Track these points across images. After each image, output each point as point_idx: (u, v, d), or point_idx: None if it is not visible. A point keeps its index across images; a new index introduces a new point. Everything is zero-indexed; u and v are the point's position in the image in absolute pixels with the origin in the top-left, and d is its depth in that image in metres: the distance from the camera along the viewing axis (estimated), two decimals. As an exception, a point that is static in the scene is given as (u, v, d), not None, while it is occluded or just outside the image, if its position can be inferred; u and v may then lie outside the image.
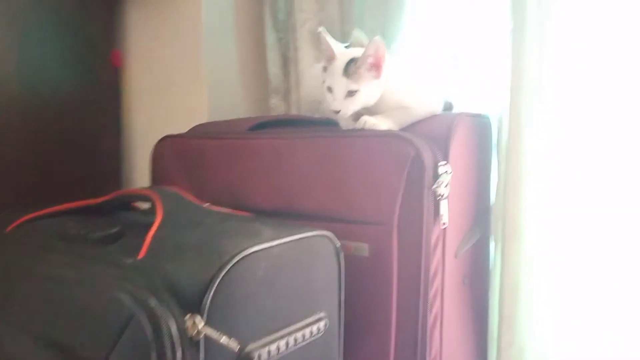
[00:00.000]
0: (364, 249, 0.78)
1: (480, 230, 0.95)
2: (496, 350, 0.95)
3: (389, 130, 0.81)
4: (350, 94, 0.80)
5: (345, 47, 0.92)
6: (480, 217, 0.96)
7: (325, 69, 0.90)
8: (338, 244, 0.70)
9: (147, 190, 0.73)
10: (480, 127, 0.94)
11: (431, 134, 0.81)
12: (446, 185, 0.78)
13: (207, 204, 0.81)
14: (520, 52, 0.91)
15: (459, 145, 0.83)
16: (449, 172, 0.78)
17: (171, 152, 0.97)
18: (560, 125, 0.91)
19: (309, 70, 1.12)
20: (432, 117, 0.86)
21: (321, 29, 0.84)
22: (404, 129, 0.83)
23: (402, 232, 0.77)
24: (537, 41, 0.90)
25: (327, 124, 0.92)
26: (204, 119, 1.16)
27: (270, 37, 1.25)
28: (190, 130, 1.07)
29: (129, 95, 1.30)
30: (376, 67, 0.80)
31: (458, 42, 1.05)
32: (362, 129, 0.82)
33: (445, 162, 0.79)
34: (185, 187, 0.93)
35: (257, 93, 1.29)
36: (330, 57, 0.82)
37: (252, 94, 1.29)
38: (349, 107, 0.81)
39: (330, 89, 0.82)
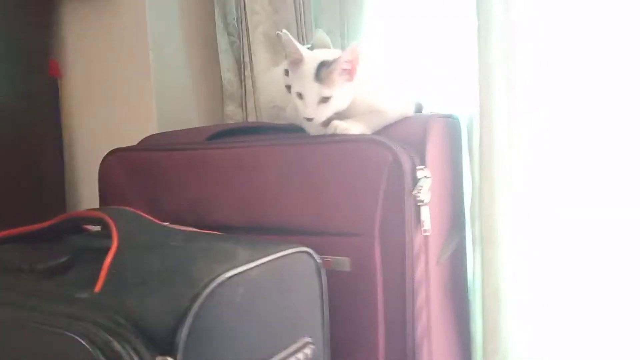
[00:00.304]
0: (344, 263, 0.72)
1: (458, 234, 0.91)
2: (481, 358, 0.91)
3: (362, 135, 0.76)
4: (324, 100, 0.75)
5: (307, 49, 0.86)
6: (456, 220, 0.92)
7: (287, 72, 0.85)
8: (319, 260, 0.64)
9: (97, 212, 0.65)
10: (451, 128, 0.91)
11: (406, 138, 0.77)
12: (427, 191, 0.73)
13: (167, 223, 0.73)
14: (487, 51, 0.88)
15: (434, 148, 0.79)
16: (428, 176, 0.74)
17: (121, 166, 0.88)
18: (532, 125, 0.89)
19: (267, 74, 1.06)
20: (404, 120, 0.81)
21: (284, 31, 0.78)
22: (376, 133, 0.78)
23: (384, 243, 0.71)
24: (502, 40, 0.88)
25: (292, 131, 0.86)
26: (153, 130, 1.08)
27: (223, 41, 1.18)
28: (141, 142, 0.99)
29: (69, 107, 1.19)
30: (349, 70, 0.75)
31: (423, 41, 1.01)
32: (333, 135, 0.76)
33: (423, 166, 0.74)
34: (139, 205, 0.85)
35: (211, 100, 1.22)
36: (298, 61, 0.76)
37: (205, 102, 1.21)
38: (323, 114, 0.75)
39: (300, 95, 0.76)
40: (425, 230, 0.74)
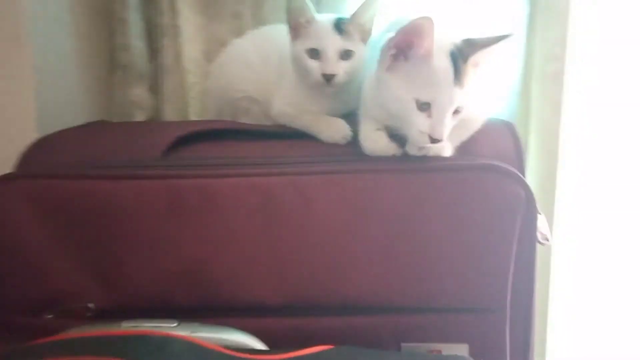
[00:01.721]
0: (460, 353, 0.48)
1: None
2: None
3: (470, 158, 0.52)
4: (458, 110, 0.49)
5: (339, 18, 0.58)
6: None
7: (312, 53, 0.56)
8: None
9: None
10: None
11: (503, 156, 0.54)
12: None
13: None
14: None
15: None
16: (540, 212, 0.53)
17: (32, 209, 0.49)
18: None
19: (230, 48, 0.72)
20: (485, 130, 0.58)
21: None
22: (463, 151, 0.54)
23: (514, 320, 0.50)
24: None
25: (298, 137, 0.58)
26: (30, 129, 0.67)
27: (132, -6, 0.79)
28: (30, 152, 0.58)
29: None
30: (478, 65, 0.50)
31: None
32: (427, 158, 0.50)
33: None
34: (75, 281, 0.49)
35: (107, 79, 0.82)
36: (421, 52, 0.47)
37: (97, 81, 0.82)
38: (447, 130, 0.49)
39: (424, 106, 0.48)
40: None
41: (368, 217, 0.48)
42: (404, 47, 0.47)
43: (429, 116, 0.48)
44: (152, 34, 0.82)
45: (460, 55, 0.47)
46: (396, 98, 0.48)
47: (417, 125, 0.48)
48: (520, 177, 0.49)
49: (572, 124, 0.73)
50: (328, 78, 0.56)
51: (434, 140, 0.48)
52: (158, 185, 0.49)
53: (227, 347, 0.37)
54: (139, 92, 0.82)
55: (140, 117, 0.81)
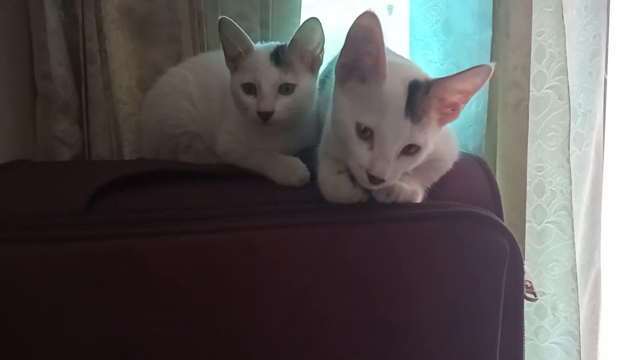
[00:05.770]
0: None
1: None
2: None
3: (446, 205, 0.45)
4: (413, 150, 0.42)
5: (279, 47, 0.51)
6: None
7: (247, 88, 0.48)
8: None
9: None
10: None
11: (476, 198, 0.48)
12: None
13: None
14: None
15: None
16: (524, 261, 0.47)
17: None
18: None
19: (165, 79, 0.64)
20: (455, 169, 0.52)
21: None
22: (437, 193, 0.48)
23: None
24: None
25: (246, 177, 0.50)
26: None
27: (51, 16, 0.69)
28: None
29: None
30: (455, 108, 0.43)
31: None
32: (396, 205, 0.43)
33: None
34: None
35: (28, 111, 0.72)
36: (377, 57, 0.40)
37: (17, 113, 0.72)
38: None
39: (367, 135, 0.41)
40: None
41: (330, 278, 0.41)
42: (356, 57, 0.40)
43: (371, 148, 0.40)
44: (78, 61, 0.72)
45: (423, 87, 0.41)
46: (339, 121, 0.41)
47: (356, 156, 0.40)
48: (501, 223, 0.43)
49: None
50: (264, 116, 0.49)
51: (373, 179, 0.40)
52: (71, 251, 0.40)
53: None
54: (64, 127, 0.72)
55: (65, 155, 0.71)
